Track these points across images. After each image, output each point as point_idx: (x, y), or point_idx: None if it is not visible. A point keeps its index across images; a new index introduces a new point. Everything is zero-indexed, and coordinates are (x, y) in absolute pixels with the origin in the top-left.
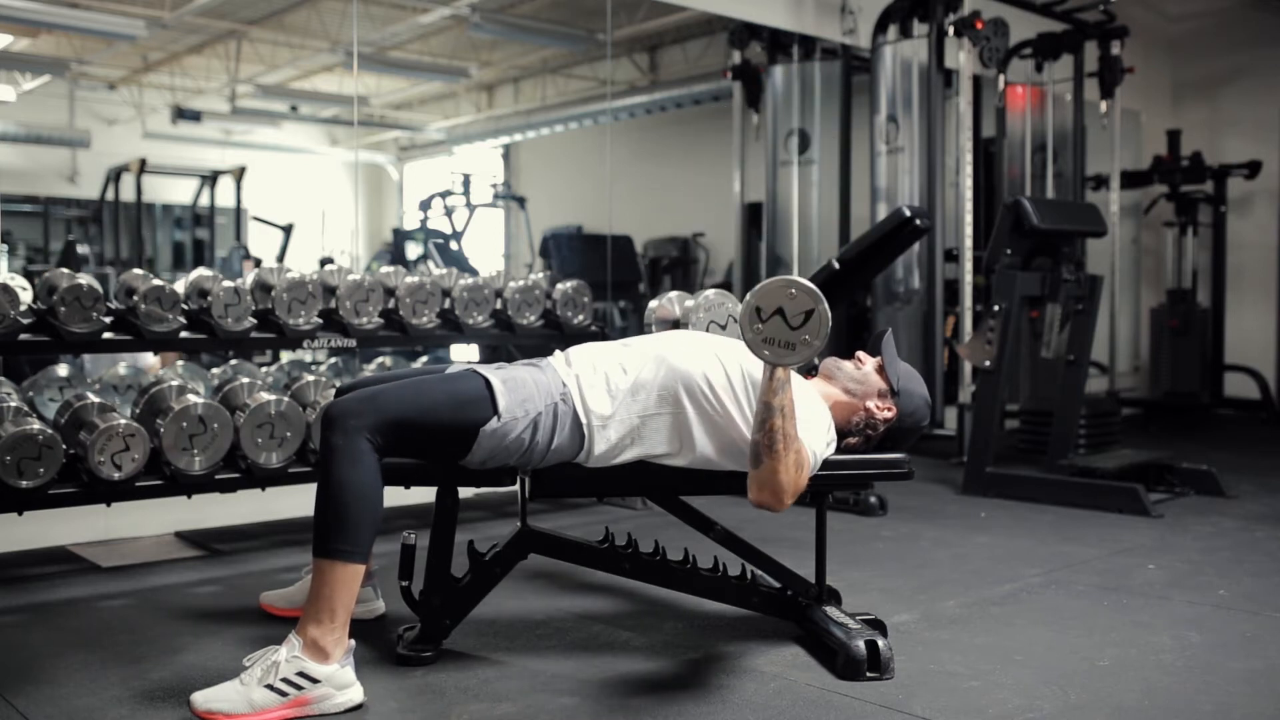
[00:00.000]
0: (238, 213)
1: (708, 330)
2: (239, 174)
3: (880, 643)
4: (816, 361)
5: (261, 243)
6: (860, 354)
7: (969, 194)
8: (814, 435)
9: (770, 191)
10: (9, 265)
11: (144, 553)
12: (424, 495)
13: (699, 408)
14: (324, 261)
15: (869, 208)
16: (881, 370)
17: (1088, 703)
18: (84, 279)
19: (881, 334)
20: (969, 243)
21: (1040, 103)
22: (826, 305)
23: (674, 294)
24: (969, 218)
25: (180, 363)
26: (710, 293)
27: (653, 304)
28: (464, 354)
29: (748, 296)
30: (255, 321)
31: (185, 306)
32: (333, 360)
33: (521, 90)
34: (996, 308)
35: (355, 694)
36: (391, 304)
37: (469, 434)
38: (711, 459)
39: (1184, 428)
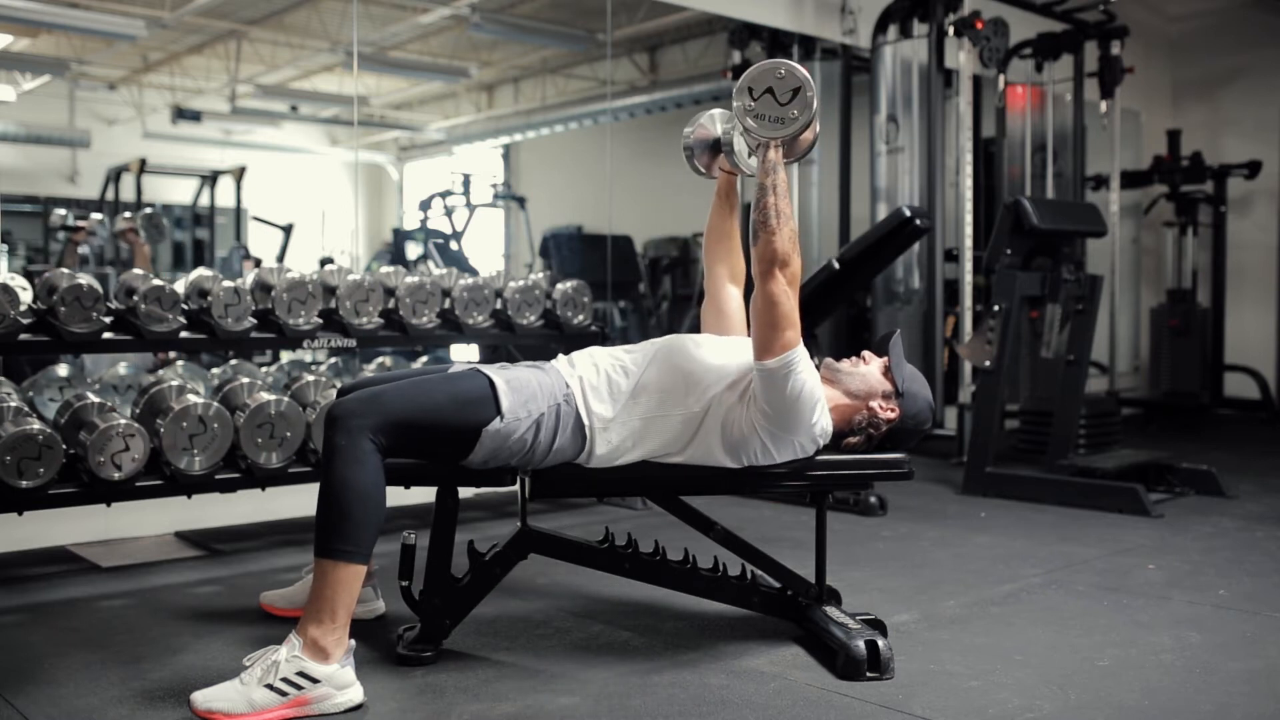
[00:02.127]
0: (238, 213)
1: (748, 148)
2: (239, 174)
3: (880, 643)
4: (817, 362)
5: (261, 243)
6: (865, 353)
7: (969, 194)
8: (809, 376)
9: None
10: (9, 265)
11: (144, 553)
12: (424, 495)
13: (701, 409)
14: (324, 261)
15: (869, 208)
16: (887, 371)
17: (1088, 703)
18: (84, 279)
19: (889, 335)
20: (969, 243)
21: (1040, 103)
22: (813, 87)
23: (717, 112)
24: (969, 218)
25: (180, 363)
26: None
27: (687, 128)
28: (464, 354)
29: (740, 78)
30: (255, 321)
31: (185, 306)
32: (333, 360)
33: (521, 90)
34: (996, 308)
35: (355, 694)
36: (391, 304)
37: (472, 434)
38: (715, 456)
39: (1184, 428)
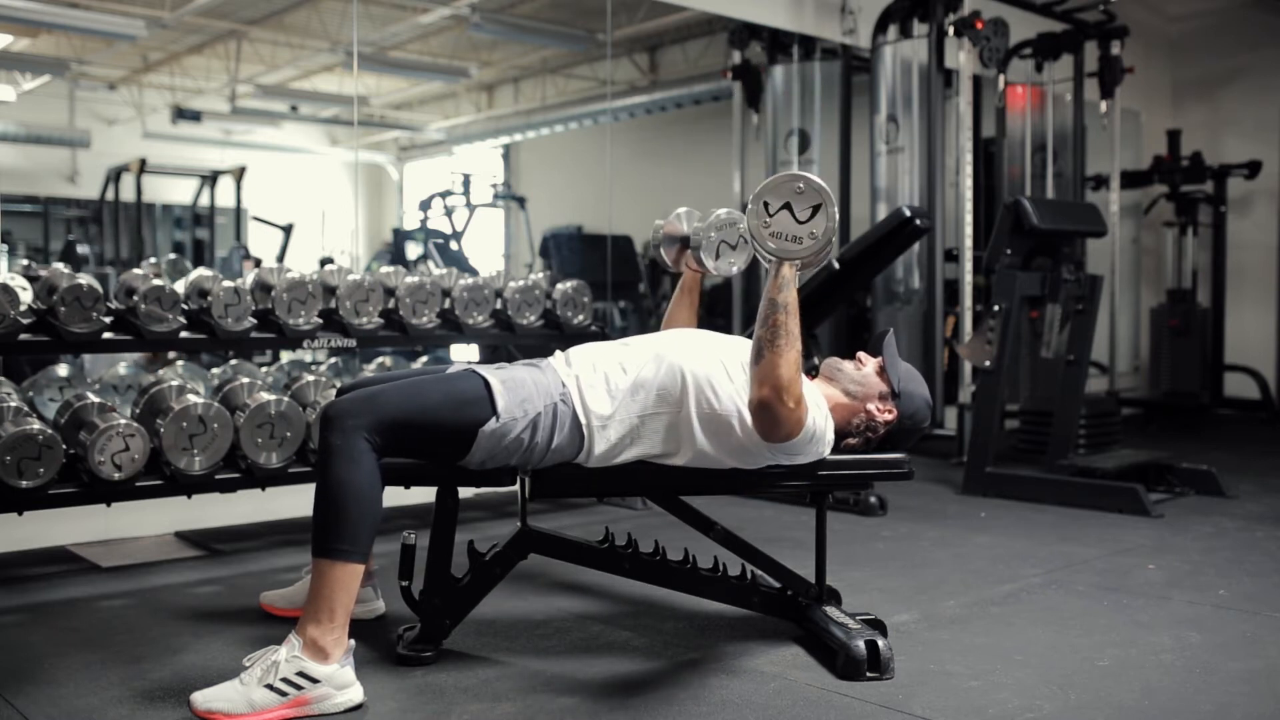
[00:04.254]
0: (238, 213)
1: (718, 251)
2: (239, 174)
3: (880, 643)
4: (817, 362)
5: (261, 243)
6: (861, 355)
7: (969, 194)
8: (815, 413)
9: None
10: (9, 265)
11: (144, 553)
12: (424, 495)
13: (699, 407)
14: (324, 261)
15: (869, 208)
16: (882, 371)
17: (1088, 703)
18: (84, 279)
19: (883, 335)
20: (969, 243)
21: (1040, 103)
22: (834, 204)
23: (683, 210)
24: (969, 218)
25: (180, 363)
26: (723, 211)
27: (659, 221)
28: (464, 354)
29: (756, 190)
30: (255, 321)
31: (185, 306)
32: (333, 360)
33: (521, 90)
34: (996, 308)
35: (355, 694)
36: (391, 304)
37: (468, 434)
38: (711, 456)
39: (1184, 428)
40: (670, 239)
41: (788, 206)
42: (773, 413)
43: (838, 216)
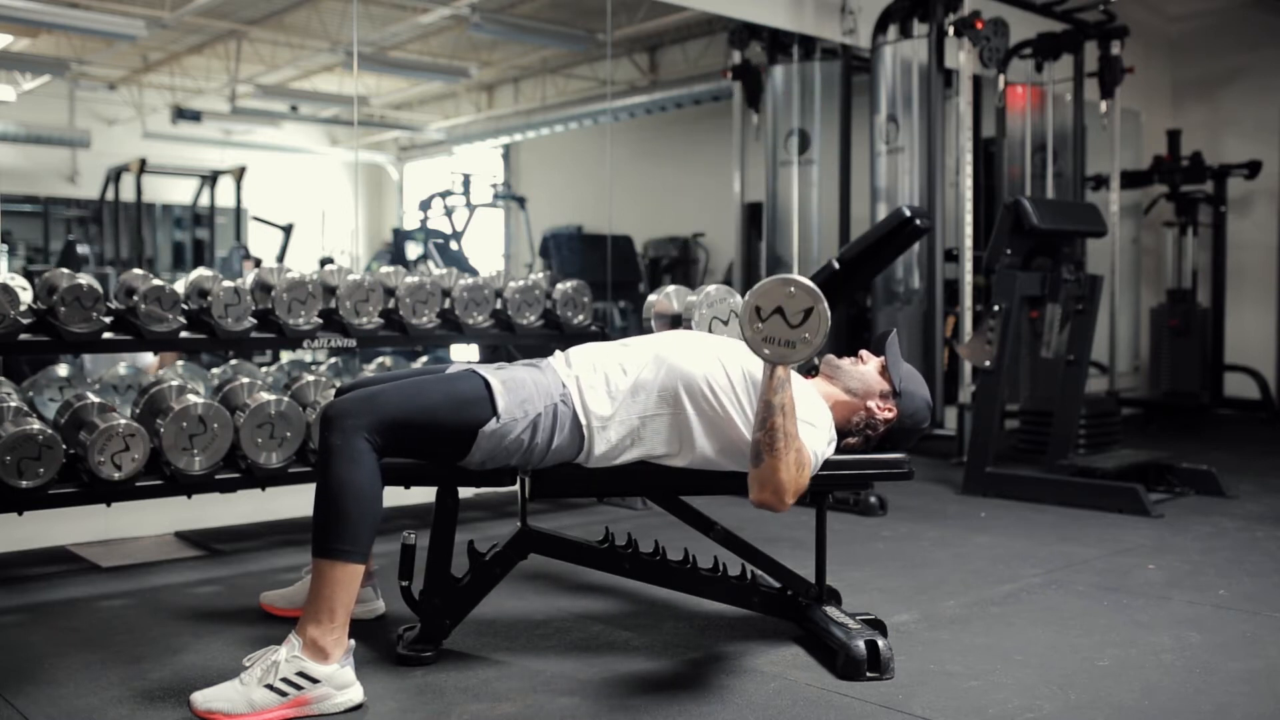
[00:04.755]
0: (238, 213)
1: (710, 326)
2: (239, 174)
3: (880, 643)
4: (817, 361)
5: (261, 243)
6: (863, 352)
7: (969, 194)
8: (815, 435)
9: (770, 191)
10: (9, 265)
11: (144, 553)
12: (424, 495)
13: (699, 408)
14: (324, 261)
15: (869, 208)
16: (884, 370)
17: (1088, 703)
18: (84, 279)
19: (885, 334)
20: (969, 243)
21: (1040, 103)
22: (826, 303)
23: (672, 289)
24: (969, 218)
25: (180, 363)
26: (712, 288)
27: (652, 298)
28: (464, 354)
29: (747, 296)
30: (255, 321)
31: (185, 306)
32: (333, 360)
33: (521, 90)
34: (996, 308)
35: (355, 694)
36: (391, 304)
37: (468, 434)
38: (711, 459)
39: (1184, 428)
40: (662, 317)
41: (779, 311)
42: (772, 509)
43: (829, 315)
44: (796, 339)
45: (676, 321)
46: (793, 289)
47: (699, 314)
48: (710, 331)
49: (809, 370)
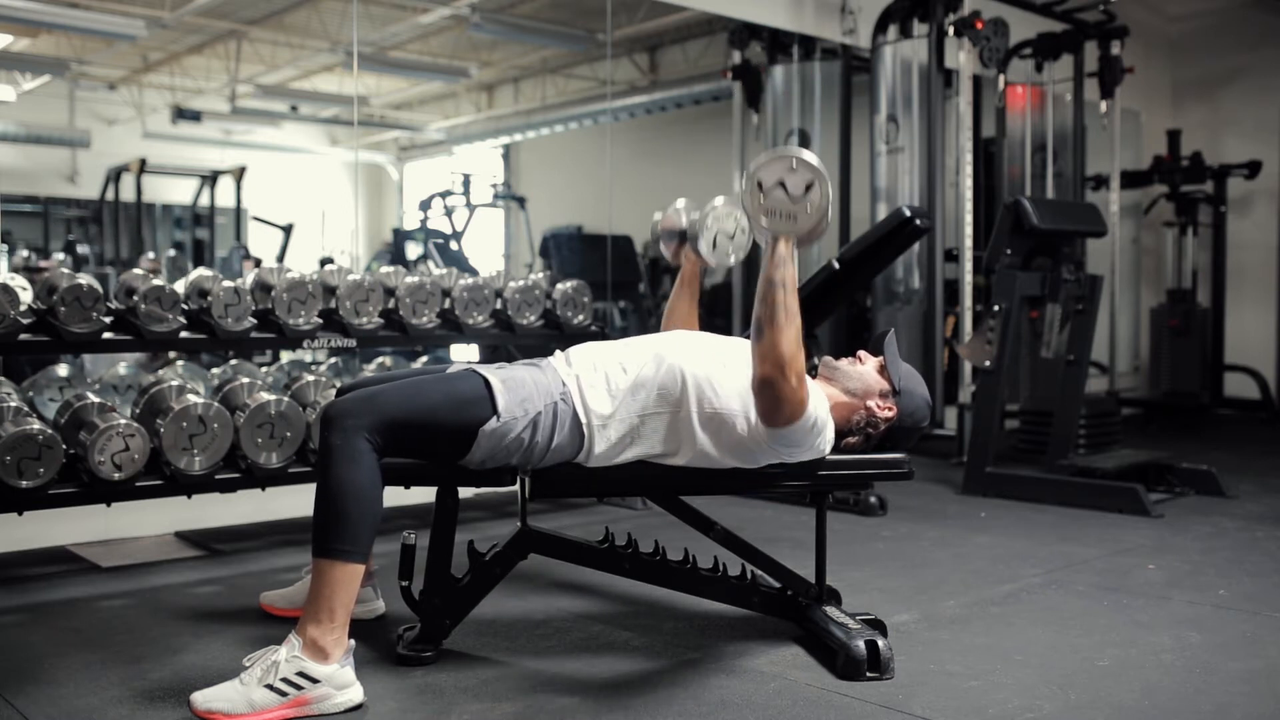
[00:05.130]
0: (238, 213)
1: (715, 241)
2: (239, 174)
3: (880, 643)
4: (816, 362)
5: (261, 243)
6: (861, 353)
7: (969, 194)
8: (816, 400)
9: None
10: (9, 265)
11: (144, 553)
12: (424, 495)
13: (699, 406)
14: (324, 261)
15: (869, 208)
16: (883, 370)
17: (1088, 703)
18: (84, 279)
19: (884, 334)
20: (969, 243)
21: (1040, 103)
22: (828, 181)
23: (682, 202)
24: (969, 218)
25: (180, 363)
26: (718, 201)
27: (657, 215)
28: (464, 354)
29: (749, 168)
30: (255, 321)
31: (185, 306)
32: (333, 360)
33: (521, 90)
34: (996, 308)
35: (355, 694)
36: (391, 304)
37: (468, 434)
38: (713, 456)
39: (1184, 428)
40: (669, 233)
41: (781, 184)
42: (775, 390)
43: (831, 193)
44: (797, 211)
45: (683, 237)
46: (794, 164)
47: (704, 228)
48: (716, 246)
49: (809, 371)
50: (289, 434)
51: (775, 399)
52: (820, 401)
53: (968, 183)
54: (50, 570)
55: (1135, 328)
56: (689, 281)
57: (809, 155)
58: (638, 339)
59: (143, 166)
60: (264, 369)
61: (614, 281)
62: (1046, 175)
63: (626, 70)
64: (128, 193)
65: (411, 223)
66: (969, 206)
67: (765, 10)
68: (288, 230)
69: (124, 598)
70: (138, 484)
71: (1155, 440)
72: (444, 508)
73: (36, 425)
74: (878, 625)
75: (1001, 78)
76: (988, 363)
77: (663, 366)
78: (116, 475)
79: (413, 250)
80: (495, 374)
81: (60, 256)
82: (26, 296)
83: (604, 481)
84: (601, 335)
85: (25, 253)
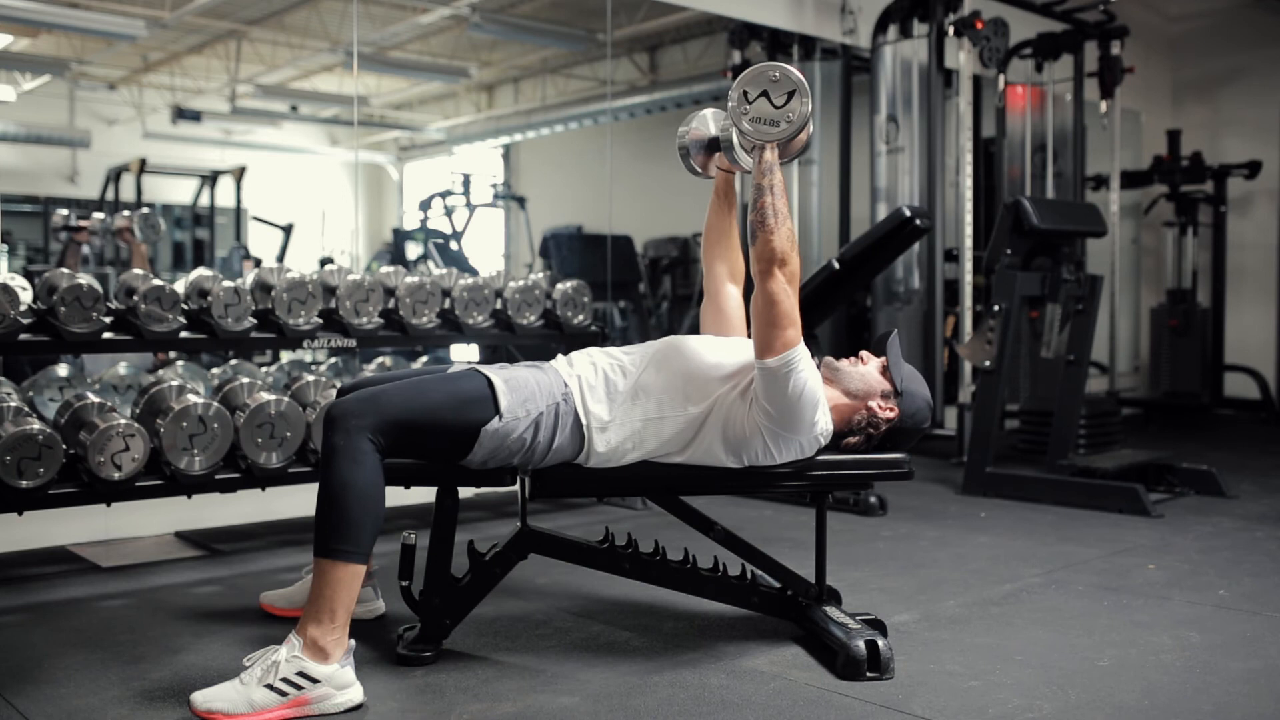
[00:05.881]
0: (238, 213)
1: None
2: (239, 174)
3: (880, 643)
4: (816, 361)
5: (261, 243)
6: (863, 353)
7: (969, 194)
8: (812, 378)
9: None
10: (9, 265)
11: (144, 553)
12: (424, 495)
13: (701, 411)
14: (324, 261)
15: (869, 208)
16: (885, 370)
17: (1088, 703)
18: (84, 279)
19: (886, 335)
20: (969, 243)
21: (1040, 103)
22: (809, 91)
23: (709, 112)
24: (969, 218)
25: (180, 363)
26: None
27: (682, 129)
28: (464, 354)
29: (735, 80)
30: (255, 321)
31: (185, 306)
32: (333, 360)
33: (521, 90)
34: (996, 308)
35: (355, 694)
36: (391, 304)
37: (471, 434)
38: (716, 456)
39: (1184, 428)
40: (697, 143)
41: (765, 94)
42: (768, 292)
43: (811, 104)
44: (780, 118)
45: (714, 145)
46: (776, 74)
47: (738, 130)
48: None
49: None
50: (289, 434)
51: (769, 302)
52: (818, 382)
53: (968, 183)
54: (50, 570)
55: (1135, 328)
56: (724, 193)
57: (790, 68)
58: (639, 345)
59: (143, 166)
60: (264, 369)
61: (614, 281)
62: (1046, 175)
63: (626, 70)
64: (128, 193)
65: (411, 223)
66: (969, 206)
67: (765, 10)
68: (288, 230)
69: (124, 598)
70: (138, 484)
71: (1155, 440)
72: (444, 508)
73: (36, 425)
74: (878, 625)
75: (1001, 78)
76: (988, 363)
77: (664, 371)
78: (116, 475)
79: (413, 250)
80: (498, 374)
81: (99, 216)
82: (26, 296)
83: (604, 481)
84: (601, 335)
85: (65, 212)
